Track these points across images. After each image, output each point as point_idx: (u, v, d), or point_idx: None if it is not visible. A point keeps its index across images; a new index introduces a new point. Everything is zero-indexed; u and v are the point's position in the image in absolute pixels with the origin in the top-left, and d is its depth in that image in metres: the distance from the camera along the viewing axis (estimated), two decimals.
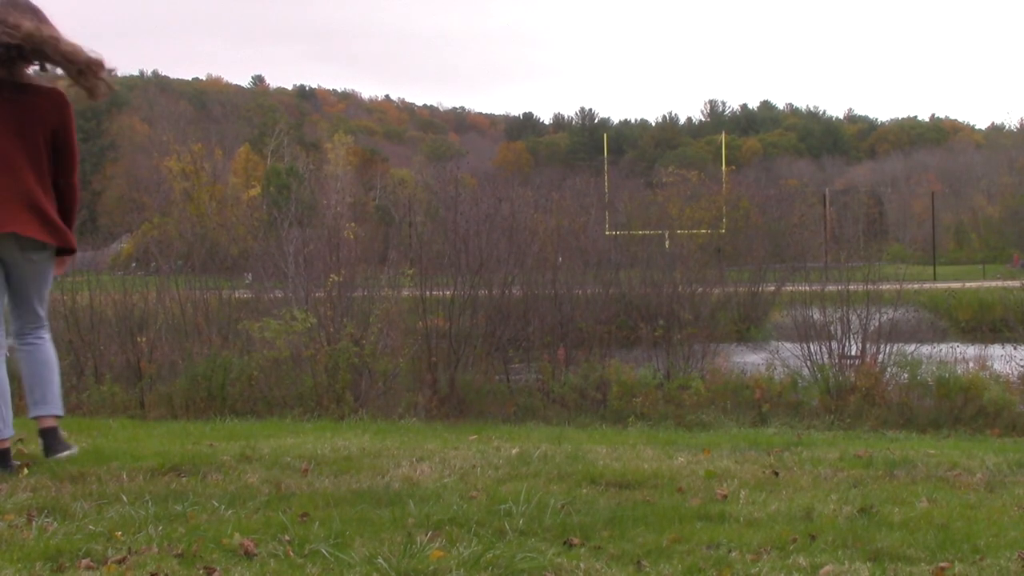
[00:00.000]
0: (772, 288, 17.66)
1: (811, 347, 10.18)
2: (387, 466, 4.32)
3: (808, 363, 10.11)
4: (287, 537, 2.97)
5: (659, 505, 3.56)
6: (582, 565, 2.77)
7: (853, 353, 10.08)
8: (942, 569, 2.77)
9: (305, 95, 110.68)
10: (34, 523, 3.11)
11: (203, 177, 47.56)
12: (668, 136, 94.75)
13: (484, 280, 11.39)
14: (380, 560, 2.72)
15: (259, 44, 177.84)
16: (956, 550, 2.97)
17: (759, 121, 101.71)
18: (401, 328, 10.11)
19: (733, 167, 49.44)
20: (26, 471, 3.94)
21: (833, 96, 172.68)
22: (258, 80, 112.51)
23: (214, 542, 2.90)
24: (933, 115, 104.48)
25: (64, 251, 4.24)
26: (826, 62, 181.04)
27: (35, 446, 4.38)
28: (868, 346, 10.03)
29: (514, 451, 4.85)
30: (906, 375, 9.48)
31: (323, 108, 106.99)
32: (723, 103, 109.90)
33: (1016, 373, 10.16)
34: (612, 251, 15.62)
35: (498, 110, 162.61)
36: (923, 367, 9.50)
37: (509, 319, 11.59)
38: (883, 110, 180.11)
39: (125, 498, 3.45)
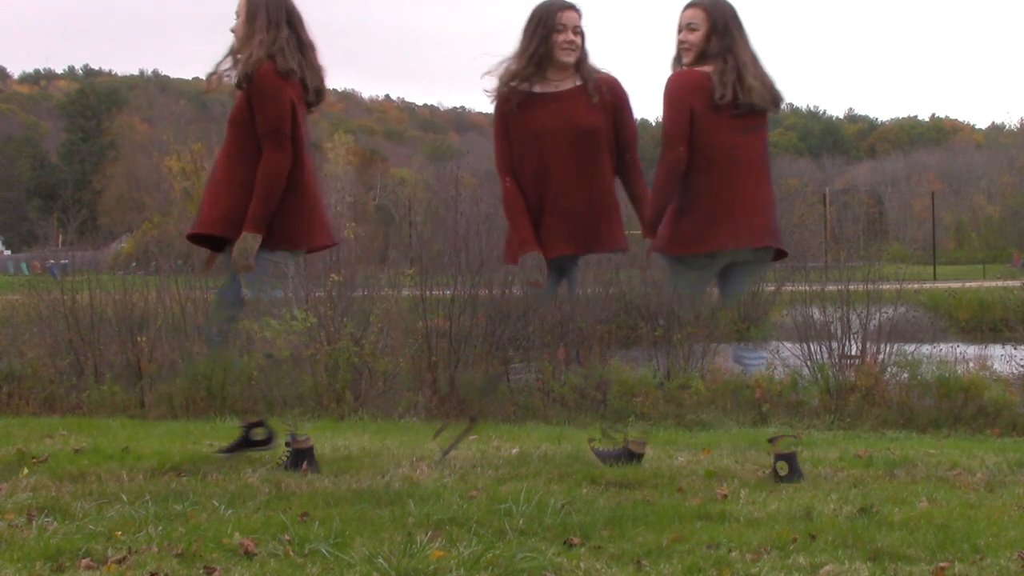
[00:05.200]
0: (772, 288, 17.63)
1: (811, 347, 10.16)
2: (387, 466, 4.33)
3: (808, 363, 10.08)
4: (287, 537, 2.97)
5: (659, 505, 3.56)
6: (582, 565, 2.77)
7: (853, 353, 10.06)
8: (942, 569, 2.77)
9: None
10: (34, 523, 3.11)
11: (203, 176, 47.52)
12: None
13: (484, 280, 11.37)
14: (380, 560, 2.72)
15: None
16: (956, 550, 2.97)
17: None
18: (401, 328, 10.10)
19: None
20: (26, 471, 3.94)
21: (833, 96, 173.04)
22: None
23: (214, 542, 2.91)
24: (933, 115, 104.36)
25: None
26: (826, 62, 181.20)
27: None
28: (868, 346, 10.01)
29: (514, 451, 4.85)
30: (906, 375, 9.45)
31: (323, 107, 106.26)
32: None
33: (1016, 373, 10.14)
34: None
35: None
36: (923, 367, 9.47)
37: (509, 319, 11.58)
38: (883, 110, 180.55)
39: (125, 498, 3.46)
